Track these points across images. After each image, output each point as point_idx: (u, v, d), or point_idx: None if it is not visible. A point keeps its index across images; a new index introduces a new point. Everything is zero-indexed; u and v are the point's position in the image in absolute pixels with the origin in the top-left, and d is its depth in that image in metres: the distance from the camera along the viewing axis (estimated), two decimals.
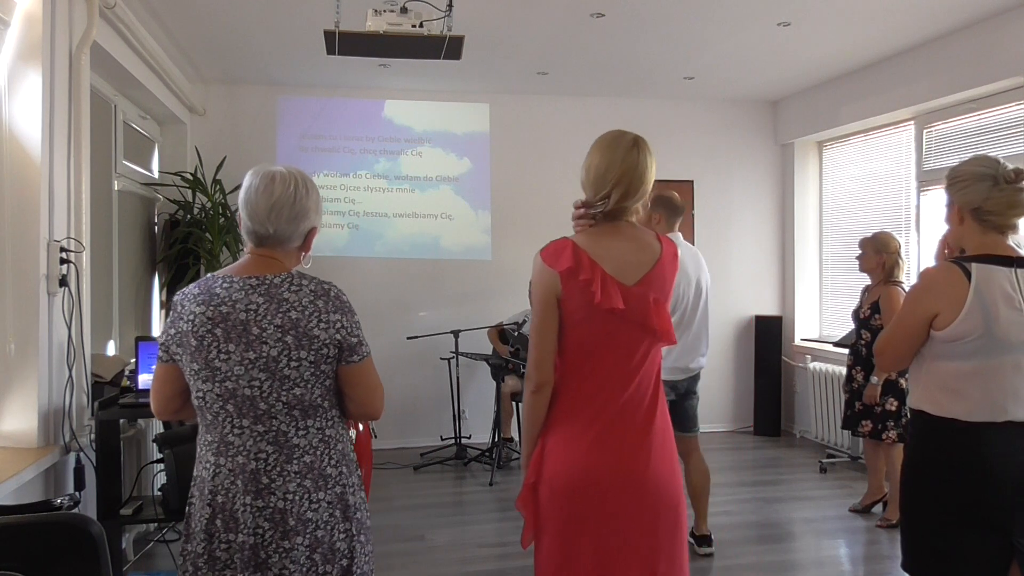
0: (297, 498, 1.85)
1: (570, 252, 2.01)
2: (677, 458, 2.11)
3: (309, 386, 1.85)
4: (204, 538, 1.87)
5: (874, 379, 4.52)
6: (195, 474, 1.94)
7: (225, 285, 1.87)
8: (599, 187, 2.07)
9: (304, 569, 1.86)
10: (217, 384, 1.84)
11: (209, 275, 1.92)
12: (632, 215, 2.10)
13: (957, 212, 2.21)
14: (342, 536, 1.92)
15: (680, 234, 4.14)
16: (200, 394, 1.87)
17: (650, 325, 2.02)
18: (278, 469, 1.85)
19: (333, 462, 1.91)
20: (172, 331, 1.89)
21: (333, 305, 1.87)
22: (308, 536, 1.86)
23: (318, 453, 1.89)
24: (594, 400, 2.03)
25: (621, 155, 2.06)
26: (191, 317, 1.85)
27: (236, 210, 5.68)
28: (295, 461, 1.86)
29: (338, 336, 1.86)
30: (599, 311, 1.99)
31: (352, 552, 1.94)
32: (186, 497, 3.29)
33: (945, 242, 2.32)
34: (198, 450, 1.94)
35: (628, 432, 2.02)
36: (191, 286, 1.92)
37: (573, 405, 2.05)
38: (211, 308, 1.84)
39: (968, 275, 2.10)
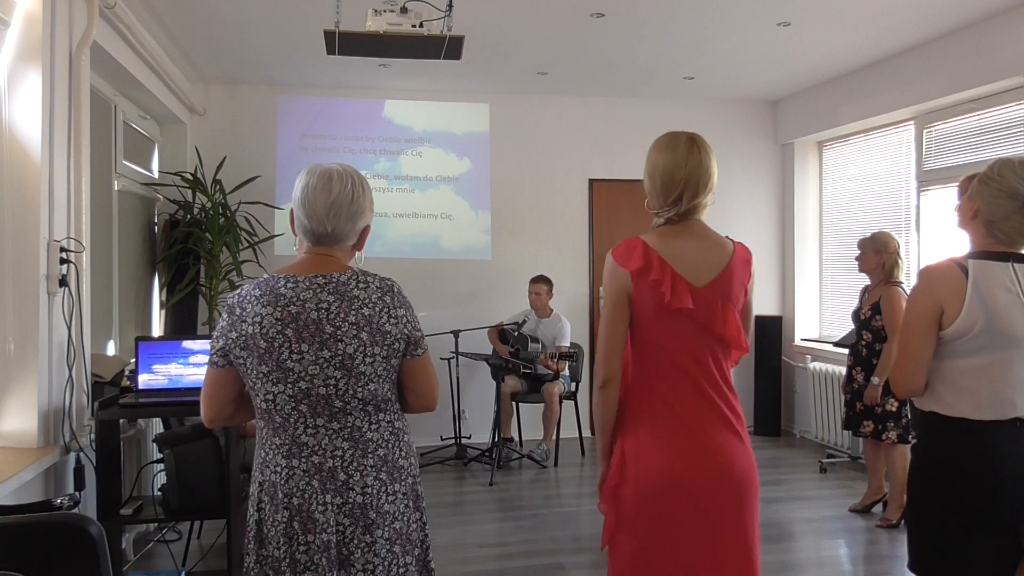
0: (375, 491, 1.87)
1: (641, 252, 2.04)
2: (750, 445, 2.13)
3: (381, 381, 1.87)
4: (284, 542, 1.85)
5: (875, 380, 4.52)
6: (261, 479, 1.91)
7: (291, 285, 1.85)
8: (669, 190, 2.09)
9: (386, 563, 1.88)
10: (290, 385, 1.82)
11: (267, 276, 1.90)
12: (702, 211, 2.12)
13: (974, 209, 2.17)
14: (415, 526, 1.96)
15: None
16: (270, 396, 1.84)
17: (715, 330, 2.03)
18: (355, 464, 1.86)
19: (403, 453, 1.94)
20: (234, 334, 1.85)
21: (398, 300, 1.89)
22: (387, 528, 1.88)
23: (390, 446, 1.91)
24: (670, 400, 2.05)
25: (684, 155, 2.09)
26: (257, 319, 1.82)
27: (236, 210, 5.77)
28: (370, 455, 1.87)
29: (406, 331, 1.88)
30: (668, 311, 2.01)
31: (424, 541, 1.99)
32: (186, 497, 3.33)
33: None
34: (261, 454, 1.91)
35: (711, 430, 2.04)
36: (249, 287, 1.89)
37: (649, 405, 2.06)
38: (279, 308, 1.82)
39: (965, 272, 2.10)
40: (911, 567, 2.25)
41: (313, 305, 1.83)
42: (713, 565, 2.03)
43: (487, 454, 6.01)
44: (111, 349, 4.66)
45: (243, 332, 1.84)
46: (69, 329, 3.24)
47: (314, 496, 1.84)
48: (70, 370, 3.25)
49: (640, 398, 2.07)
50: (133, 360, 3.67)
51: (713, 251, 2.09)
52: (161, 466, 3.57)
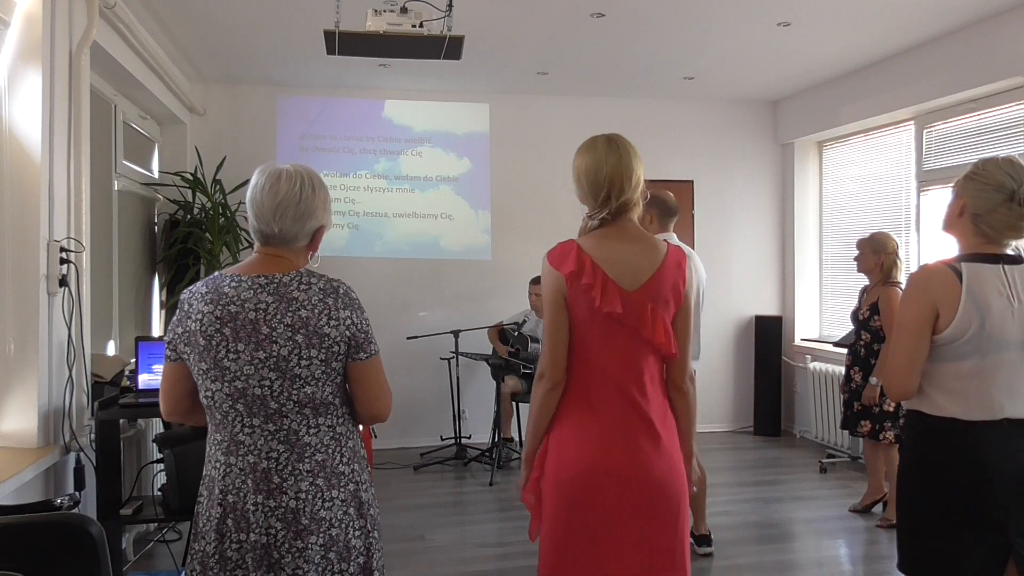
0: (310, 497, 1.85)
1: (575, 256, 2.05)
2: (680, 459, 2.13)
3: (320, 384, 1.85)
4: (215, 537, 1.86)
5: (873, 380, 4.53)
6: (204, 473, 1.92)
7: (233, 284, 1.85)
8: (596, 191, 2.11)
9: (320, 569, 1.86)
10: (226, 384, 1.83)
11: (217, 274, 1.91)
12: (633, 209, 2.13)
13: (961, 205, 2.19)
14: (357, 533, 1.93)
15: (675, 235, 4.09)
16: (209, 393, 1.85)
17: (644, 334, 2.04)
18: (290, 468, 1.85)
19: (345, 459, 1.91)
20: (180, 329, 1.87)
21: (343, 302, 1.87)
22: (322, 535, 1.86)
23: (329, 451, 1.89)
24: (596, 400, 2.07)
25: (603, 155, 2.12)
26: (199, 316, 1.84)
27: (236, 210, 5.77)
28: (307, 460, 1.86)
29: (348, 333, 1.86)
30: (599, 314, 2.03)
31: (369, 549, 1.96)
32: (186, 497, 3.33)
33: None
34: (207, 449, 1.93)
35: (631, 432, 2.05)
36: (199, 284, 1.90)
37: (577, 403, 2.09)
38: (219, 307, 1.83)
39: (959, 275, 2.09)
40: (901, 567, 2.26)
41: (252, 305, 1.82)
42: (618, 561, 2.04)
43: (487, 454, 6.01)
44: (111, 349, 4.66)
45: (187, 328, 1.86)
46: (69, 329, 3.24)
47: (248, 495, 1.84)
48: (70, 370, 3.25)
49: (569, 398, 2.09)
50: (133, 360, 3.67)
51: (646, 254, 2.10)
52: (161, 466, 3.57)
